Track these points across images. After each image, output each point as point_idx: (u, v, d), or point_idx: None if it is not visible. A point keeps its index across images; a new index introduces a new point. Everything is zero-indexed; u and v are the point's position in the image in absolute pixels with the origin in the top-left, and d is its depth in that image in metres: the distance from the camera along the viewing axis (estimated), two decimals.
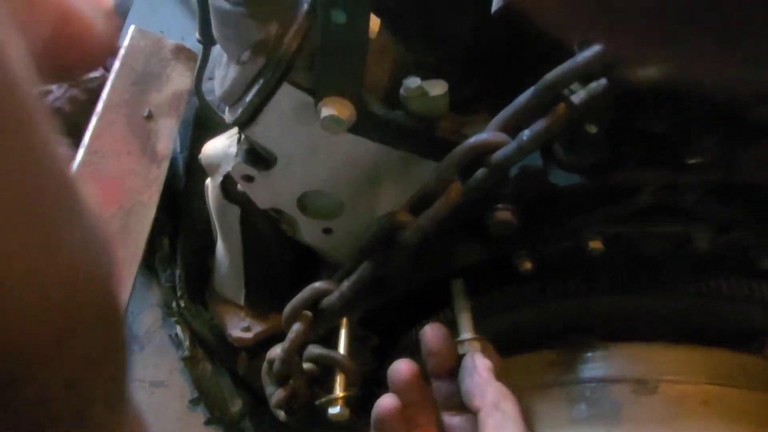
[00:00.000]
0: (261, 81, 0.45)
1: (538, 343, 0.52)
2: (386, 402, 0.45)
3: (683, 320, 0.50)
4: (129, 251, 0.65)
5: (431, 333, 0.47)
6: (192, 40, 1.07)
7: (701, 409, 0.44)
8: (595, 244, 0.48)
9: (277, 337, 0.76)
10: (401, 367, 0.46)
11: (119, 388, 0.20)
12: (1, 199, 0.14)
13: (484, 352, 0.46)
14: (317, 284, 0.53)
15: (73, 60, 0.21)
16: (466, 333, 0.48)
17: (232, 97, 0.48)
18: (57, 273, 0.16)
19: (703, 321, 0.50)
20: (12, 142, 0.15)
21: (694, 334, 0.49)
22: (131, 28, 0.79)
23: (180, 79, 0.79)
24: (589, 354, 0.49)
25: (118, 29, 0.21)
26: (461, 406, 0.44)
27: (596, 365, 0.48)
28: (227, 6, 0.43)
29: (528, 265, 0.51)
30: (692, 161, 0.43)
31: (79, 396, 0.18)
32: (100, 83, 0.79)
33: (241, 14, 0.43)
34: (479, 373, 0.44)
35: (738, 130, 0.42)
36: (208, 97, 0.78)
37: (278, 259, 0.70)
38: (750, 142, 0.42)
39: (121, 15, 0.97)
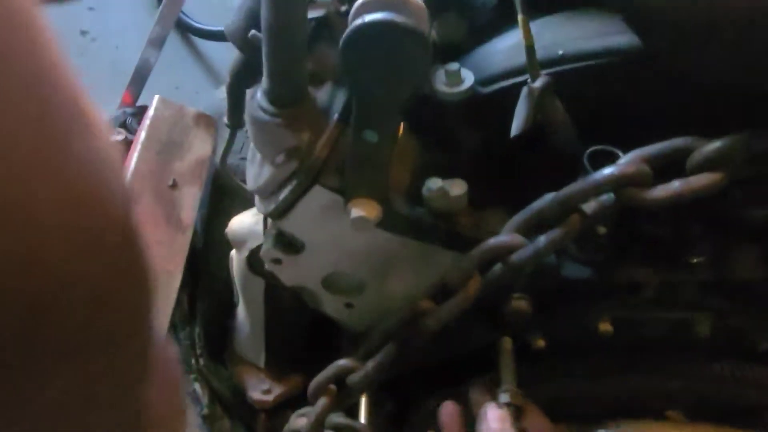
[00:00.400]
0: (294, 182, 0.49)
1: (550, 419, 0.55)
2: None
3: (688, 398, 0.53)
4: (156, 321, 0.68)
5: (446, 410, 0.50)
6: (206, 94, 1.11)
7: None
8: (605, 327, 0.52)
9: (296, 398, 0.78)
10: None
11: (145, 326, 0.19)
12: (13, 99, 0.14)
13: (524, 409, 0.49)
14: (342, 362, 0.56)
15: None
16: (505, 384, 0.50)
17: (265, 193, 0.52)
18: (73, 180, 0.15)
19: (707, 399, 0.53)
20: (23, 49, 0.14)
21: (699, 410, 0.53)
22: (155, 99, 0.83)
23: (201, 146, 0.83)
24: (601, 431, 0.52)
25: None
26: None
27: None
28: (265, 117, 0.47)
29: (541, 343, 0.55)
30: (691, 260, 0.47)
31: (104, 323, 0.17)
32: (123, 147, 0.82)
33: (277, 124, 0.47)
34: (488, 420, 0.47)
35: (732, 233, 0.46)
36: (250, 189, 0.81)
37: (298, 325, 0.73)
38: (743, 243, 0.46)
39: (141, 77, 1.01)
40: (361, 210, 0.47)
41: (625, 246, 0.48)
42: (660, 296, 0.49)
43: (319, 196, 0.49)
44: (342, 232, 0.52)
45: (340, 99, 0.49)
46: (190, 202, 0.77)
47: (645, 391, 0.53)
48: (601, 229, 0.46)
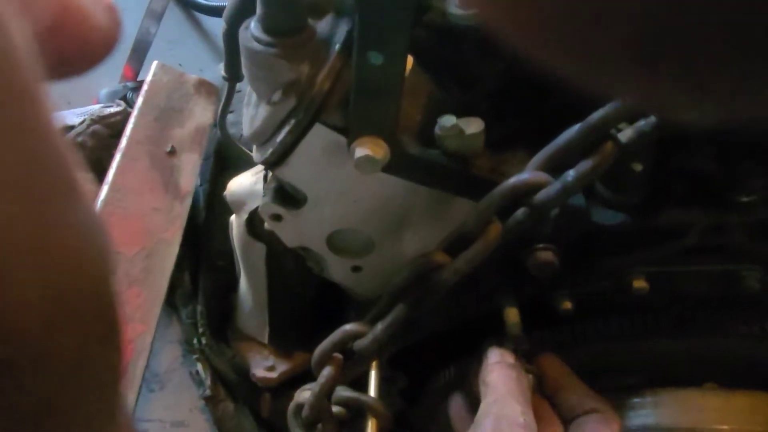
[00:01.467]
0: (292, 121, 0.44)
1: None
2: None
3: (734, 364, 0.47)
4: (152, 291, 0.64)
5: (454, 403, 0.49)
6: (210, 72, 1.07)
7: None
8: (640, 284, 0.47)
9: (301, 376, 0.74)
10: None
11: (112, 394, 0.19)
12: (1, 166, 0.14)
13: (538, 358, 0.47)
14: (348, 327, 0.51)
15: (72, 54, 0.20)
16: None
17: (261, 137, 0.47)
18: (54, 249, 0.15)
19: (753, 364, 0.48)
20: (12, 111, 0.14)
21: (747, 378, 0.47)
22: (154, 64, 0.79)
23: (202, 114, 0.79)
24: (637, 400, 0.47)
25: (119, 24, 0.20)
26: None
27: (646, 412, 0.46)
28: (258, 47, 0.42)
29: (568, 305, 0.49)
30: (741, 200, 0.41)
31: (72, 392, 0.17)
32: (122, 118, 0.79)
33: (273, 55, 0.42)
34: (489, 357, 0.45)
35: None
36: (230, 131, 0.78)
37: (303, 297, 0.68)
38: None
39: (142, 48, 0.98)
40: (367, 149, 0.43)
41: (664, 186, 0.42)
42: (704, 244, 0.43)
43: (320, 136, 0.45)
44: (347, 179, 0.48)
45: (343, 29, 0.44)
46: (189, 169, 0.73)
47: (684, 356, 0.47)
48: (637, 166, 0.41)
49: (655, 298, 0.47)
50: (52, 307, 0.15)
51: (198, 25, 1.20)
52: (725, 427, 0.43)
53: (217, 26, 1.18)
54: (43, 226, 0.15)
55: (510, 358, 0.44)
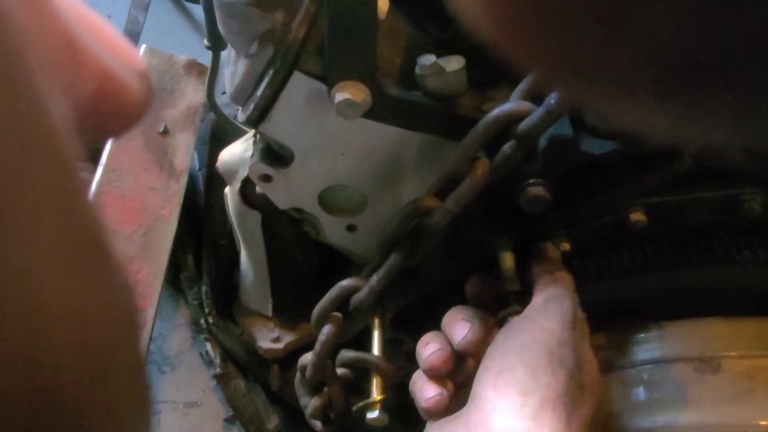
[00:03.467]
0: (271, 72, 0.44)
1: None
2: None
3: (739, 292, 0.46)
4: (153, 266, 0.64)
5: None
6: (202, 60, 1.07)
7: None
8: (637, 216, 0.45)
9: (309, 347, 0.74)
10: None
11: None
12: (52, 236, 0.15)
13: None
14: (345, 282, 0.51)
15: (108, 120, 0.21)
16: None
17: (243, 94, 0.47)
18: (90, 310, 0.16)
19: (761, 291, 0.46)
20: (57, 186, 0.15)
21: (752, 305, 0.45)
22: (142, 47, 0.79)
23: (194, 94, 0.79)
24: (642, 335, 0.46)
25: (151, 90, 0.21)
26: None
27: (651, 346, 0.45)
28: None
29: (566, 246, 0.48)
30: None
31: None
32: None
33: (245, 4, 0.42)
34: (549, 258, 0.45)
35: None
36: (225, 111, 0.78)
37: (304, 265, 0.68)
38: None
39: (131, 37, 0.98)
40: (347, 93, 0.42)
41: None
42: (699, 167, 0.42)
43: (300, 85, 0.44)
44: (332, 130, 0.47)
45: None
46: (183, 147, 0.73)
47: (687, 286, 0.46)
48: None
49: (654, 231, 0.46)
50: (85, 364, 0.16)
51: (189, 16, 1.20)
52: (733, 353, 0.42)
53: None
54: (82, 290, 0.16)
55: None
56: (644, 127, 0.18)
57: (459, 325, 0.45)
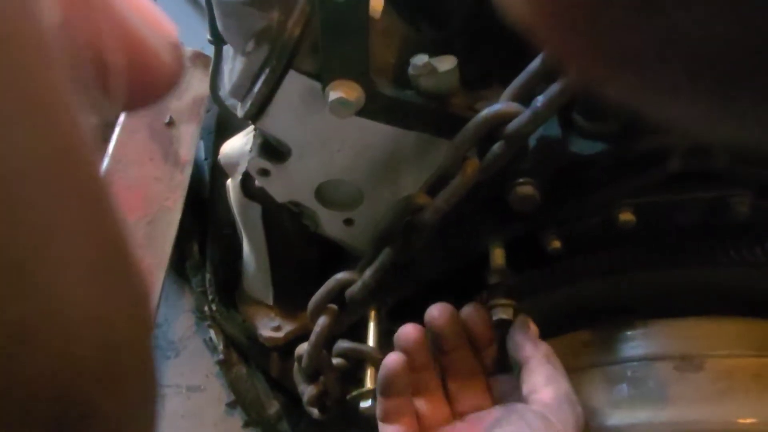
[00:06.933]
0: (267, 70, 0.45)
1: (570, 326, 0.50)
2: (393, 359, 0.44)
3: (725, 292, 0.47)
4: (156, 256, 0.66)
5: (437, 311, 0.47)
6: (208, 51, 1.08)
7: (752, 384, 0.41)
8: (626, 216, 0.46)
9: (308, 336, 0.75)
10: (408, 329, 0.46)
11: None
12: (82, 249, 0.15)
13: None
14: (340, 275, 0.52)
15: (140, 90, 0.21)
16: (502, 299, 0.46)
17: (241, 90, 0.48)
18: (111, 315, 0.17)
19: (745, 292, 0.47)
20: (90, 202, 0.16)
21: (737, 306, 0.46)
22: None
23: (199, 85, 0.80)
24: (628, 332, 0.47)
25: (182, 61, 0.21)
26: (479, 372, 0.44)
27: (636, 343, 0.46)
28: None
29: (557, 244, 0.49)
30: None
31: None
32: None
33: (242, 3, 0.43)
34: (532, 329, 0.44)
35: None
36: (228, 102, 0.79)
37: (304, 256, 0.70)
38: None
39: None
40: (340, 92, 0.43)
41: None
42: (688, 169, 0.42)
43: (296, 83, 0.45)
44: (327, 127, 0.48)
45: None
46: (188, 139, 0.74)
47: (674, 286, 0.47)
48: None
49: (643, 231, 0.46)
50: (103, 367, 0.16)
51: (196, 6, 1.20)
52: (716, 352, 0.43)
53: None
54: (105, 299, 0.16)
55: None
56: (691, 123, 0.17)
57: (435, 306, 0.46)
